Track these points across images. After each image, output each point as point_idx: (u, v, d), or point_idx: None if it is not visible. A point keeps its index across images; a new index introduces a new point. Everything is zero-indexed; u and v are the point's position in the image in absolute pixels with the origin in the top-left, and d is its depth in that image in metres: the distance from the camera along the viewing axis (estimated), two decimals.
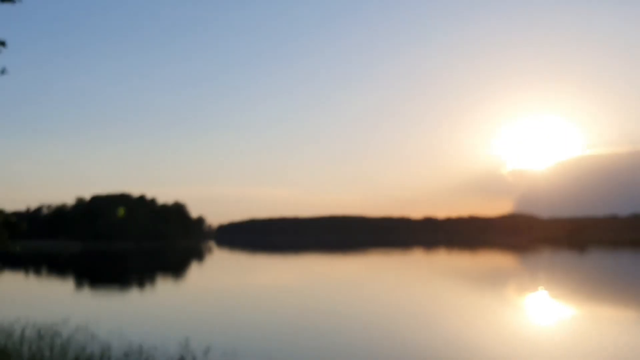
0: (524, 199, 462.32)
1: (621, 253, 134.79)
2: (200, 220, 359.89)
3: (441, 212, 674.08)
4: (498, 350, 24.04)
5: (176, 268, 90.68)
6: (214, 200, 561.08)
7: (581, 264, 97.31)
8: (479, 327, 30.37)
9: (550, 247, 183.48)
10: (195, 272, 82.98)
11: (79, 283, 61.85)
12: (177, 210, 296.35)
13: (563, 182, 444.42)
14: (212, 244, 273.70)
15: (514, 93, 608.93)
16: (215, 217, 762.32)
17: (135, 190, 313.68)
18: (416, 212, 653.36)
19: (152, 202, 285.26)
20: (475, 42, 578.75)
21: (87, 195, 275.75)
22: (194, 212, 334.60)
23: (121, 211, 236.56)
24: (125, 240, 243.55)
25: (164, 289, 53.96)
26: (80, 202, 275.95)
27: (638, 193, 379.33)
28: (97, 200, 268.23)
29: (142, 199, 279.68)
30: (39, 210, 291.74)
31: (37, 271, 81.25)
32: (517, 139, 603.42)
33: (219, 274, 78.01)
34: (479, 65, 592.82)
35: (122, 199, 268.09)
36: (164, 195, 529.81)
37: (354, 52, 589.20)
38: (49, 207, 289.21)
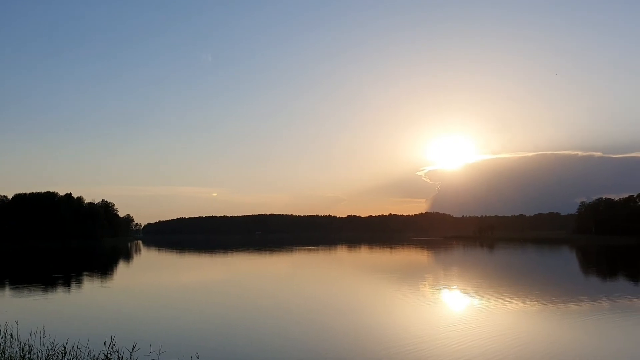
0: (439, 199, 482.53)
1: (526, 249, 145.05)
2: (127, 219, 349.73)
3: (364, 211, 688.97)
4: (408, 339, 26.51)
5: (102, 267, 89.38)
6: (142, 200, 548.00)
7: (489, 259, 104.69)
8: (393, 317, 33.10)
9: (462, 244, 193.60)
10: (122, 271, 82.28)
11: None
12: (105, 209, 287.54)
13: (475, 184, 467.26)
14: (139, 243, 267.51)
15: (431, 106, 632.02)
16: (143, 216, 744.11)
17: (61, 189, 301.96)
18: (341, 211, 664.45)
19: (79, 201, 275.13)
20: (399, 60, 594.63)
21: (10, 194, 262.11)
22: (122, 211, 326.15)
23: None
24: (50, 239, 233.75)
25: (89, 288, 53.66)
26: (3, 201, 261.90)
27: (542, 195, 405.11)
28: (21, 198, 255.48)
29: (68, 197, 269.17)
30: None
31: None
32: (434, 145, 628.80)
33: (145, 273, 77.85)
34: (401, 80, 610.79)
35: (48, 198, 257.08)
36: (91, 194, 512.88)
37: (285, 56, 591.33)
38: None
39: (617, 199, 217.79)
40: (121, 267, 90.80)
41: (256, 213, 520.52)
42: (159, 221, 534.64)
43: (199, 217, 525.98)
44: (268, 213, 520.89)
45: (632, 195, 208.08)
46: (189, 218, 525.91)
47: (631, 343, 26.18)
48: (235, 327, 30.50)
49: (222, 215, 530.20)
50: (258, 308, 38.52)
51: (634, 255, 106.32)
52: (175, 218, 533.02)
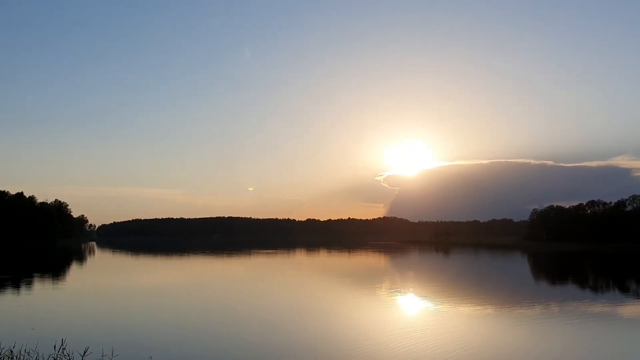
0: (397, 204, 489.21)
1: (480, 255, 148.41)
2: (81, 220, 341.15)
3: (323, 214, 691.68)
4: (363, 341, 26.77)
5: (53, 269, 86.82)
6: (97, 200, 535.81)
7: (444, 264, 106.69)
8: (349, 320, 33.44)
9: (419, 248, 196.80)
10: (74, 273, 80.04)
11: None
12: (58, 210, 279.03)
13: (432, 190, 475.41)
14: (93, 244, 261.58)
15: (390, 113, 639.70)
16: (98, 217, 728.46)
17: (12, 188, 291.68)
18: (300, 215, 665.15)
19: (31, 200, 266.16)
20: (360, 67, 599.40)
21: None
22: (76, 211, 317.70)
23: None
24: None
25: (39, 290, 52.22)
26: None
27: (496, 201, 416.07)
28: None
29: (19, 197, 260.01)
30: None
31: None
32: (393, 150, 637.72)
33: (98, 275, 76.04)
34: (362, 87, 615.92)
35: None
36: (43, 193, 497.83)
37: (247, 59, 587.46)
38: None
39: (567, 206, 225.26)
40: (73, 269, 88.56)
41: (214, 215, 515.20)
42: (114, 222, 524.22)
43: (155, 218, 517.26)
44: (226, 216, 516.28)
45: (582, 204, 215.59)
46: (145, 220, 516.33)
47: (579, 346, 27.18)
48: (189, 330, 30.26)
49: (179, 217, 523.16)
50: (212, 311, 38.30)
51: (582, 262, 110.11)
52: (130, 219, 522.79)
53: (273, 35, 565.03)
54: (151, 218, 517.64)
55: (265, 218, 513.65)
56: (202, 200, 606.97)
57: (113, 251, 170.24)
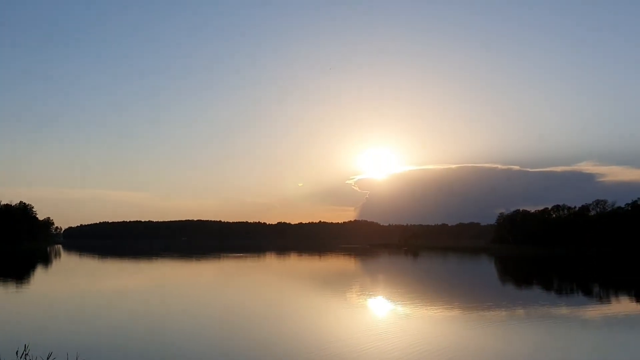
0: (367, 208, 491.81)
1: (448, 258, 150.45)
2: (47, 223, 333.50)
3: (294, 218, 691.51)
4: (333, 344, 26.99)
5: (18, 272, 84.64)
6: (63, 203, 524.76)
7: (413, 267, 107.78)
8: (319, 324, 33.76)
9: (388, 251, 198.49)
10: (39, 277, 78.11)
11: None
12: (23, 212, 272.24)
13: (401, 194, 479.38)
14: (59, 247, 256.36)
15: (362, 118, 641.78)
16: (64, 220, 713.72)
17: None
18: (271, 218, 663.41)
19: None
20: (331, 71, 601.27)
21: None
22: (41, 214, 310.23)
23: None
24: None
25: (1, 295, 50.91)
26: None
27: (464, 205, 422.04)
28: None
29: None
30: None
31: None
32: (364, 154, 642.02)
33: (63, 279, 74.05)
34: (334, 92, 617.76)
35: None
36: (8, 195, 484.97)
37: (216, 61, 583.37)
38: None
39: (533, 210, 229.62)
40: (38, 273, 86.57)
41: (183, 219, 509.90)
42: (81, 225, 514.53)
43: (123, 221, 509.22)
44: (195, 219, 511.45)
45: (547, 208, 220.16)
46: (113, 222, 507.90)
47: (542, 348, 27.80)
48: (155, 335, 29.98)
49: (147, 220, 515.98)
50: (179, 315, 37.97)
51: (547, 265, 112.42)
52: (97, 222, 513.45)
53: (250, 40, 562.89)
54: (119, 221, 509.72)
55: (236, 221, 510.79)
56: (171, 203, 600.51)
57: (79, 254, 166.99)
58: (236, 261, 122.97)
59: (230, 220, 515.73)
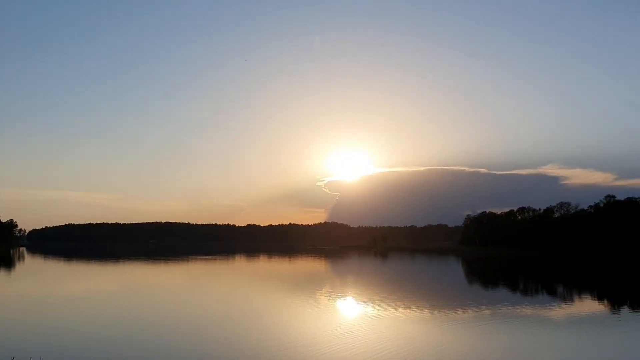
0: (337, 210, 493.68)
1: (416, 259, 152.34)
2: (10, 225, 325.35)
3: (264, 220, 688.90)
4: (303, 345, 27.00)
5: None
6: (27, 204, 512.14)
7: (382, 269, 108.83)
8: (289, 325, 33.67)
9: (358, 253, 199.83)
10: (0, 280, 76.86)
11: None
12: None
13: (371, 195, 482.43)
14: (23, 250, 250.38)
15: (332, 119, 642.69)
16: (28, 222, 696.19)
17: None
18: (240, 220, 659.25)
19: None
20: (302, 73, 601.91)
21: None
22: (4, 215, 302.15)
23: None
24: None
25: None
26: None
27: (432, 207, 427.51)
28: None
29: None
30: None
31: None
32: (334, 156, 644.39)
33: (26, 282, 71.92)
34: (304, 93, 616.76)
35: None
36: None
37: (185, 61, 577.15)
38: None
39: (499, 212, 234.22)
40: (0, 276, 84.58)
41: (151, 221, 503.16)
42: (46, 227, 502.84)
43: (90, 223, 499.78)
44: (163, 221, 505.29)
45: (513, 210, 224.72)
46: (79, 224, 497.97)
47: (508, 347, 28.60)
48: (120, 339, 29.66)
49: (114, 222, 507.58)
50: (146, 319, 37.65)
51: (512, 266, 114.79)
52: (63, 224, 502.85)
53: (217, 38, 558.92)
54: (85, 223, 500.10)
55: (204, 223, 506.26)
56: (139, 205, 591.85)
57: (44, 257, 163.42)
58: (205, 264, 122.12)
59: (199, 223, 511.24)
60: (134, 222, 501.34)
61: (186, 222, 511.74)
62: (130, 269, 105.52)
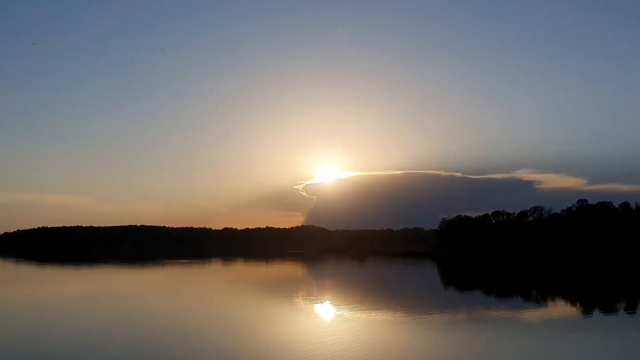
0: (315, 213, 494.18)
1: (393, 263, 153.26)
2: None
3: (241, 223, 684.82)
4: (280, 349, 26.95)
5: None
6: None
7: (359, 272, 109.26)
8: (266, 329, 33.25)
9: (335, 256, 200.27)
10: None
11: None
12: None
13: (348, 199, 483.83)
14: None
15: (310, 122, 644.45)
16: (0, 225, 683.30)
17: None
18: (217, 223, 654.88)
19: None
20: (279, 76, 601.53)
21: None
22: None
23: None
24: None
25: None
26: None
27: (408, 210, 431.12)
28: None
29: None
30: None
31: None
32: (312, 159, 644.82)
33: None
34: (280, 96, 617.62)
35: None
36: None
37: (161, 61, 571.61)
38: None
39: (474, 216, 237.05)
40: None
41: (126, 224, 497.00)
42: (18, 230, 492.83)
43: (63, 226, 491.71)
44: (139, 224, 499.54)
45: (487, 214, 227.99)
46: (52, 228, 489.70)
47: (483, 350, 28.97)
48: (91, 346, 29.33)
49: (88, 225, 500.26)
50: (119, 325, 37.19)
51: (487, 270, 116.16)
52: (36, 227, 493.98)
53: (191, 38, 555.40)
54: (58, 226, 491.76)
55: (181, 227, 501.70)
56: (114, 208, 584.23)
57: (16, 261, 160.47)
58: (181, 268, 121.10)
59: (175, 226, 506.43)
60: (108, 225, 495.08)
61: (162, 225, 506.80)
62: (103, 273, 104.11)
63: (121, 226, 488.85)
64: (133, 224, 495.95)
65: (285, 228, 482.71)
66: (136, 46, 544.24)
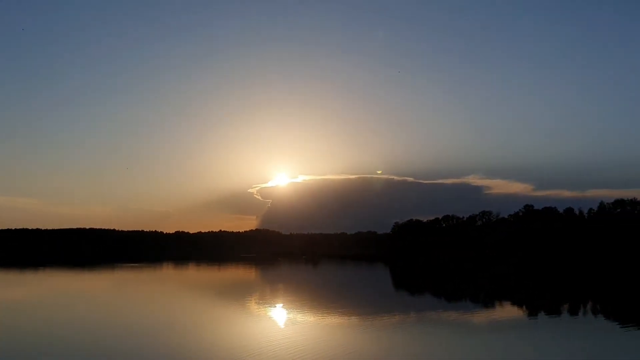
0: (269, 217, 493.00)
1: (346, 266, 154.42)
2: None
3: (192, 227, 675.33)
4: (232, 354, 26.97)
5: None
6: None
7: (313, 276, 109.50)
8: (217, 335, 33.12)
9: (289, 260, 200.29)
10: None
11: None
12: None
13: (302, 202, 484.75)
14: None
15: (265, 125, 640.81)
16: None
17: None
18: (169, 227, 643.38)
19: None
20: (236, 77, 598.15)
21: None
22: None
23: None
24: None
25: None
26: None
27: (362, 214, 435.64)
28: None
29: None
30: None
31: None
32: (266, 162, 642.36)
33: None
34: (236, 98, 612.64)
35: None
36: None
37: (118, 65, 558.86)
38: None
39: (425, 220, 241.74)
40: None
41: (74, 226, 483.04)
42: None
43: (8, 229, 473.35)
44: (88, 227, 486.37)
45: (438, 218, 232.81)
46: None
47: (433, 351, 29.67)
48: (31, 354, 28.61)
49: (35, 228, 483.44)
50: (66, 331, 36.28)
51: (437, 273, 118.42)
52: None
53: (148, 39, 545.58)
54: (3, 229, 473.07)
55: (131, 230, 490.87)
56: (62, 211, 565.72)
57: None
58: (131, 272, 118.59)
59: (126, 229, 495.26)
60: (56, 228, 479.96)
61: (112, 228, 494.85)
62: (49, 277, 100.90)
63: (69, 229, 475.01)
64: (82, 227, 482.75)
65: (238, 232, 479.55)
66: (87, 43, 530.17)
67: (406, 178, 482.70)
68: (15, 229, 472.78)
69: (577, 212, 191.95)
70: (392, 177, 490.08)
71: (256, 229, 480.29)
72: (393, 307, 49.77)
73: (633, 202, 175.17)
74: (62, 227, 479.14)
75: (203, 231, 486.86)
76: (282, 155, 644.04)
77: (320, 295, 63.59)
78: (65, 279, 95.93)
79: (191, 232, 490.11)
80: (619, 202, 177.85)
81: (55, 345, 31.04)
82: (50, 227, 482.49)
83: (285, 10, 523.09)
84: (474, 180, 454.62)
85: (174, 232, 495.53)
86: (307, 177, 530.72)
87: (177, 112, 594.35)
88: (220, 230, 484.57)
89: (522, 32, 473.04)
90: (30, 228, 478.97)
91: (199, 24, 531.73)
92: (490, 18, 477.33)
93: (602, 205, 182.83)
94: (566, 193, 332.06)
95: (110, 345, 30.61)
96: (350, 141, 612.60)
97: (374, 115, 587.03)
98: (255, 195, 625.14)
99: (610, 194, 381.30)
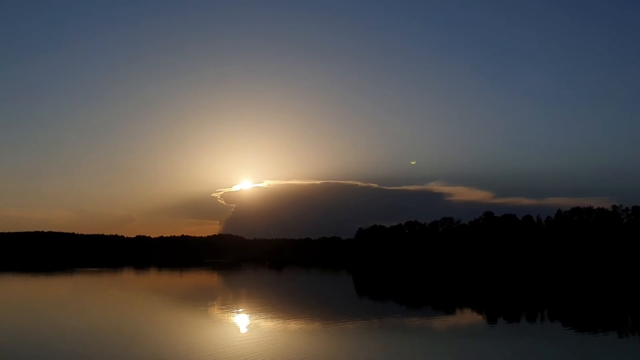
0: (233, 221, 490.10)
1: (310, 272, 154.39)
2: None
3: (154, 231, 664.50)
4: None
5: None
6: None
7: (276, 282, 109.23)
8: (178, 340, 32.39)
9: (253, 266, 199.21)
10: None
11: None
12: None
13: (267, 207, 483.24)
14: None
15: (230, 130, 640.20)
16: None
17: None
18: (130, 231, 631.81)
19: None
20: (203, 82, 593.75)
21: None
22: None
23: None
24: None
25: None
26: None
27: (326, 220, 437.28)
28: None
29: None
30: None
31: None
32: (230, 167, 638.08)
33: None
34: (202, 101, 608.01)
35: None
36: None
37: (77, 66, 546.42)
38: None
39: (389, 226, 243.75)
40: None
41: (32, 230, 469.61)
42: None
43: None
44: (46, 230, 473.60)
45: (401, 224, 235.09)
46: None
47: (394, 356, 29.95)
48: None
49: None
50: (22, 338, 35.37)
51: (399, 279, 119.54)
52: None
53: (108, 39, 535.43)
54: None
55: (91, 234, 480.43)
56: (19, 214, 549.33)
57: None
58: (90, 277, 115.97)
59: (85, 233, 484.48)
60: (12, 232, 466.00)
61: (71, 232, 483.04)
62: (5, 282, 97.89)
63: (26, 232, 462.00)
64: (40, 230, 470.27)
65: (201, 237, 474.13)
66: (45, 43, 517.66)
67: (371, 184, 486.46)
68: None
69: (536, 220, 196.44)
70: (357, 182, 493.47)
71: (219, 234, 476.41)
72: (355, 313, 49.99)
73: (589, 210, 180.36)
74: (19, 231, 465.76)
75: (165, 236, 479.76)
76: (247, 160, 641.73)
77: (282, 301, 63.42)
78: (20, 284, 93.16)
79: (153, 236, 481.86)
80: (576, 210, 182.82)
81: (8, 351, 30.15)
82: (7, 231, 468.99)
83: (248, 15, 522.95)
84: (437, 187, 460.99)
85: (135, 236, 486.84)
86: (273, 182, 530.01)
87: (140, 116, 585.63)
88: (183, 235, 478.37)
89: (488, 45, 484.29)
90: None
91: (166, 25, 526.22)
92: (454, 32, 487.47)
93: (559, 213, 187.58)
94: (525, 201, 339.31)
95: (65, 353, 29.89)
96: (315, 147, 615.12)
97: (339, 121, 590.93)
98: (219, 200, 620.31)
99: (567, 202, 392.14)
